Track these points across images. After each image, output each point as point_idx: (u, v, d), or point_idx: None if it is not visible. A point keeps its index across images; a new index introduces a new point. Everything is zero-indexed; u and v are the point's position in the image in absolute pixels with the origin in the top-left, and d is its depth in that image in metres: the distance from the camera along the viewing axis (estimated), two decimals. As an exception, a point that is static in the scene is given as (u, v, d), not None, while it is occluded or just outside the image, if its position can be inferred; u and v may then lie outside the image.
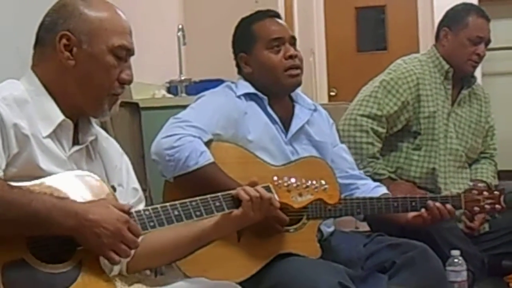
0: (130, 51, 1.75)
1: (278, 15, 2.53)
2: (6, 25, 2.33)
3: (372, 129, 2.93)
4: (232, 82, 2.50)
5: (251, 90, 2.42)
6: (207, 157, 2.19)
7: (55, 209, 1.50)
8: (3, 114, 1.57)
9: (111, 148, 1.88)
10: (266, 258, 2.20)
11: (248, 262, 2.20)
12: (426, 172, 2.99)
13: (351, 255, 2.38)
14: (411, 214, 2.38)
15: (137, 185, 1.89)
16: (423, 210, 2.36)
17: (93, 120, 1.82)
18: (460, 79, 3.10)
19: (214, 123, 2.28)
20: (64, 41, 1.68)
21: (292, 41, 2.45)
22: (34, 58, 1.75)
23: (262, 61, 2.41)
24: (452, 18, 3.09)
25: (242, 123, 2.34)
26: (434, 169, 2.99)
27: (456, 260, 2.39)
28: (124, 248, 1.57)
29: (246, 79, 2.46)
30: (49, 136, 1.65)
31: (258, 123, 2.37)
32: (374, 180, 2.74)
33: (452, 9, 3.15)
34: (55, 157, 1.65)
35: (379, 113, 2.95)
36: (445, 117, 3.02)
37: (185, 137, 2.19)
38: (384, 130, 2.97)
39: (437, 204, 2.37)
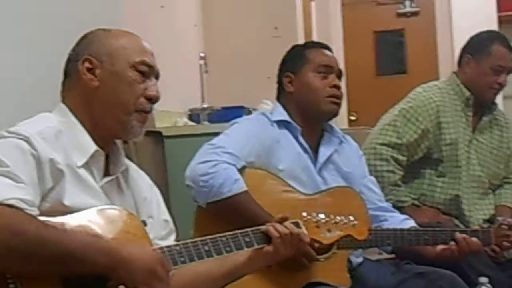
0: (153, 69, 1.77)
1: (330, 49, 2.56)
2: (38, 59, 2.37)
3: (392, 157, 2.93)
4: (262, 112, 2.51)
5: (286, 118, 2.44)
6: (240, 185, 2.20)
7: (89, 247, 1.49)
8: (39, 150, 1.58)
9: (141, 179, 1.90)
10: (296, 287, 2.20)
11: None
12: (450, 199, 2.98)
13: (379, 284, 2.38)
14: (440, 247, 2.37)
15: (167, 217, 1.91)
16: (451, 242, 2.35)
17: (122, 152, 1.84)
18: (480, 105, 3.09)
19: (247, 150, 2.30)
20: (86, 64, 1.72)
21: (339, 74, 2.49)
22: (62, 92, 1.78)
23: (307, 82, 2.45)
24: (476, 46, 3.09)
25: (274, 152, 2.36)
26: (458, 195, 2.97)
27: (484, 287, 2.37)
28: (157, 286, 1.56)
29: (283, 105, 2.49)
30: (82, 166, 1.67)
31: (290, 153, 2.39)
32: (397, 207, 2.74)
33: (476, 35, 3.15)
34: (89, 187, 1.67)
35: (398, 141, 2.95)
36: (467, 144, 3.02)
37: (220, 164, 2.20)
38: (405, 158, 2.97)
39: (466, 236, 2.36)
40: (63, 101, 1.76)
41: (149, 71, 1.76)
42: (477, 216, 2.98)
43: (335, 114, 2.49)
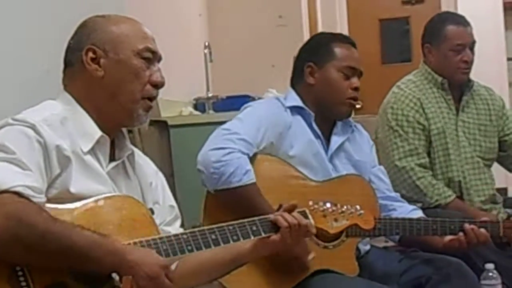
0: (156, 54, 1.76)
1: (356, 46, 2.50)
2: (35, 47, 2.36)
3: (416, 164, 2.92)
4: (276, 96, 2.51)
5: (300, 104, 2.42)
6: (250, 177, 2.18)
7: (95, 246, 1.49)
8: (45, 137, 1.58)
9: (146, 166, 1.90)
10: (304, 274, 2.20)
11: (286, 277, 2.19)
12: (449, 186, 2.98)
13: (387, 271, 2.38)
14: (448, 238, 2.36)
15: (173, 202, 1.91)
16: (460, 233, 2.35)
17: (127, 137, 1.84)
18: (457, 86, 3.09)
19: (260, 136, 2.28)
20: (90, 54, 1.71)
21: (360, 75, 2.46)
22: (64, 80, 1.78)
23: (331, 79, 2.41)
24: (431, 33, 3.10)
25: (286, 138, 2.34)
26: (455, 180, 2.98)
27: (490, 274, 2.35)
28: None
29: (297, 91, 2.47)
30: (88, 152, 1.67)
31: (302, 139, 2.37)
32: (447, 204, 2.82)
33: (428, 22, 3.16)
34: (95, 173, 1.67)
35: (412, 147, 2.94)
36: (454, 128, 3.02)
37: (234, 153, 2.18)
38: (426, 159, 2.96)
39: (474, 227, 2.35)
40: (66, 89, 1.76)
41: (153, 57, 1.75)
42: (475, 199, 2.99)
43: (349, 116, 2.49)
